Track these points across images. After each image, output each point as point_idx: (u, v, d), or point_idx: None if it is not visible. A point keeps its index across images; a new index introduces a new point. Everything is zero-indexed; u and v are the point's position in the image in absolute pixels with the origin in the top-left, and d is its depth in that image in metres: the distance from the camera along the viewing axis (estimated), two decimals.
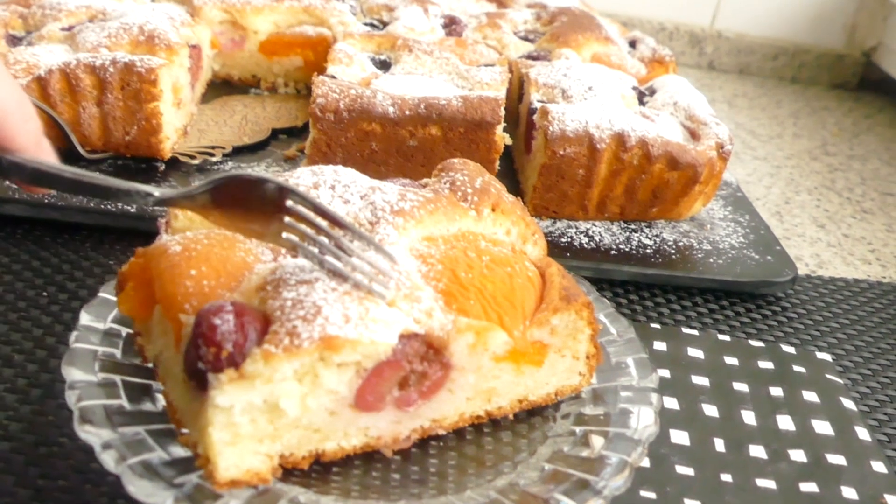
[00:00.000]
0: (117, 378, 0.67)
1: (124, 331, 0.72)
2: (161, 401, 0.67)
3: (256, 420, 0.60)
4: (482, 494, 0.65)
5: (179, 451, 0.62)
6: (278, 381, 0.59)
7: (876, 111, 1.96)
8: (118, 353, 0.70)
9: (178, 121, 1.12)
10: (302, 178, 0.74)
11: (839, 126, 1.82)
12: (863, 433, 0.81)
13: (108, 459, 0.58)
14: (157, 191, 0.63)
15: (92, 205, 0.96)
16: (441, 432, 0.71)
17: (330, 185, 0.74)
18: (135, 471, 0.58)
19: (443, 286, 0.68)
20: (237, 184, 0.63)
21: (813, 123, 1.82)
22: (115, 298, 0.71)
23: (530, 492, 0.64)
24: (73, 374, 0.65)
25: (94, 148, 1.06)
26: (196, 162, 1.10)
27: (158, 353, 0.66)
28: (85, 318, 0.72)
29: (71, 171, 0.62)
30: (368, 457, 0.68)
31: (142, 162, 1.08)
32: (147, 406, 0.66)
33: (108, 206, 0.96)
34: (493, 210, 0.77)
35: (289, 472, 0.64)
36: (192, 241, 0.66)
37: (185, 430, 0.62)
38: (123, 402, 0.65)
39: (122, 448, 0.60)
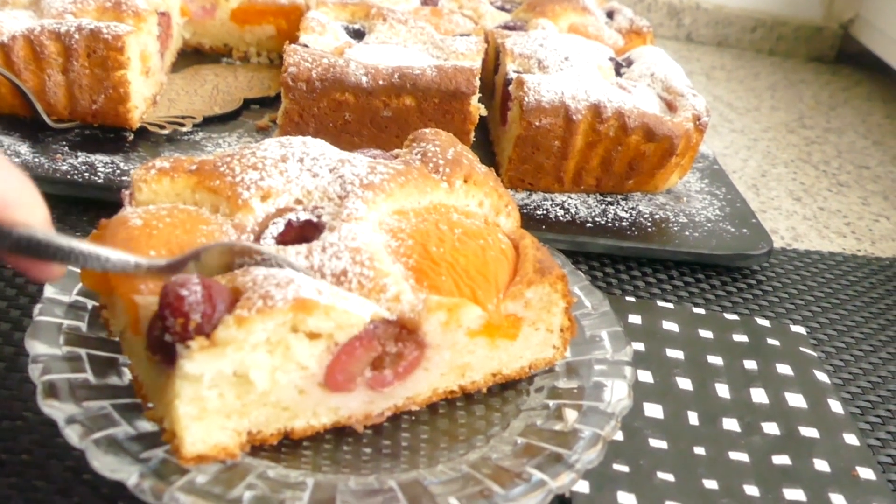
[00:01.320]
0: (82, 351, 0.66)
1: (90, 303, 0.70)
2: (127, 375, 0.65)
3: (224, 394, 0.59)
4: (454, 469, 0.64)
5: (145, 426, 0.61)
6: (249, 349, 0.57)
7: (853, 84, 1.96)
8: (83, 326, 0.69)
9: (146, 90, 1.10)
10: (270, 149, 0.73)
11: (816, 99, 1.82)
12: (836, 406, 0.81)
13: (73, 434, 0.57)
14: (145, 262, 0.60)
15: (58, 175, 0.94)
16: (414, 408, 0.70)
17: (298, 157, 0.73)
18: (99, 446, 0.57)
19: (413, 262, 0.66)
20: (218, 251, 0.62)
21: (790, 96, 1.81)
22: (79, 271, 0.69)
23: (503, 466, 0.63)
24: (36, 347, 0.64)
25: (60, 117, 1.04)
26: (166, 132, 1.07)
27: (124, 328, 0.65)
28: (49, 291, 0.70)
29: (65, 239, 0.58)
30: (339, 431, 0.67)
31: (110, 131, 1.06)
32: (113, 380, 0.65)
33: (75, 177, 0.94)
34: (466, 181, 0.76)
35: (258, 447, 0.63)
36: (154, 217, 0.65)
37: (150, 405, 0.61)
38: (88, 375, 0.64)
39: (87, 423, 0.58)
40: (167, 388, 0.57)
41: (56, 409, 0.59)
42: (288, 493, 0.58)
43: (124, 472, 0.56)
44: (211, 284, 0.57)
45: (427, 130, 0.81)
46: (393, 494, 0.60)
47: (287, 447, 0.64)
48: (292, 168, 0.71)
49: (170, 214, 0.66)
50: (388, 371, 0.65)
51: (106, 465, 0.56)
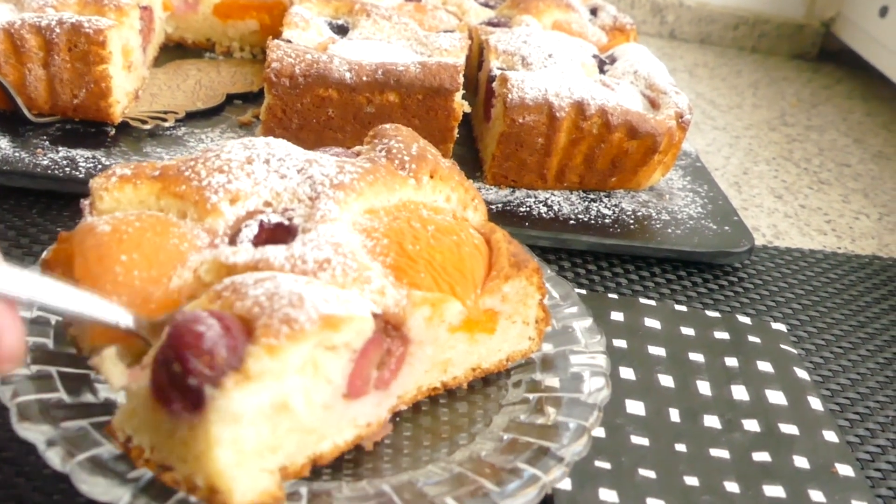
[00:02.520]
0: (52, 369, 0.63)
1: (53, 318, 0.68)
2: (102, 392, 0.64)
3: (259, 430, 0.54)
4: (445, 469, 0.64)
5: None
6: (286, 376, 0.54)
7: (834, 82, 1.97)
8: (50, 342, 0.66)
9: (128, 84, 1.09)
10: (234, 151, 0.71)
11: (798, 97, 1.83)
12: (815, 403, 0.82)
13: (54, 457, 0.55)
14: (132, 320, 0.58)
15: (38, 169, 0.93)
16: (403, 408, 0.70)
17: (264, 158, 0.71)
18: (84, 468, 0.55)
19: (391, 261, 0.66)
20: None
21: (772, 94, 1.82)
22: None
23: (493, 463, 0.63)
24: None
25: (40, 111, 1.03)
26: (148, 127, 1.07)
27: (95, 345, 0.63)
28: None
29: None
30: None
31: (91, 126, 1.05)
32: (87, 398, 0.63)
33: (56, 172, 0.93)
34: (432, 177, 0.75)
35: None
36: (122, 223, 0.63)
37: (162, 467, 0.55)
38: (62, 395, 0.62)
39: (68, 444, 0.56)
40: (195, 440, 0.52)
41: (33, 432, 0.57)
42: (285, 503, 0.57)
43: (114, 493, 0.54)
44: (222, 315, 0.54)
45: (388, 126, 0.79)
46: (388, 499, 0.59)
47: None
48: (259, 170, 0.70)
49: (139, 219, 0.64)
50: (385, 368, 0.64)
51: (94, 487, 0.54)
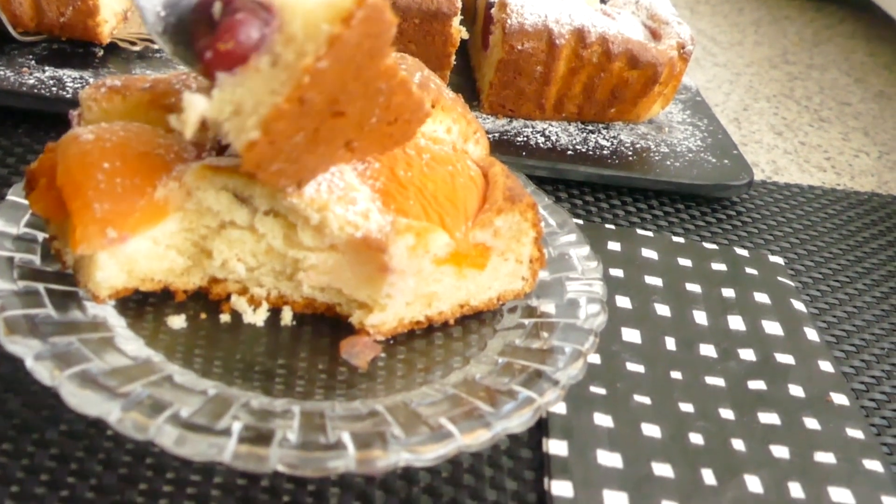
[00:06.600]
0: (40, 286, 0.62)
1: (40, 235, 0.67)
2: (91, 309, 0.63)
3: None
4: (439, 390, 0.63)
5: (119, 361, 0.58)
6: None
7: (837, 22, 1.94)
8: (37, 259, 0.65)
9: (116, 4, 1.06)
10: None
11: (800, 35, 1.80)
12: (812, 334, 0.81)
13: (43, 371, 0.54)
14: None
15: (24, 89, 0.91)
16: (379, 338, 0.68)
17: None
18: (74, 382, 0.54)
19: (380, 185, 0.64)
20: None
21: (774, 32, 1.79)
22: (25, 201, 0.65)
23: (488, 385, 0.62)
24: None
25: (26, 29, 1.00)
26: (137, 48, 1.04)
27: (78, 259, 0.62)
28: None
29: None
30: (314, 352, 0.66)
31: (79, 46, 1.02)
32: (76, 315, 0.62)
33: (42, 91, 0.91)
34: (433, 106, 0.73)
35: (242, 376, 0.62)
36: (106, 132, 0.62)
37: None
38: (50, 311, 0.60)
39: (57, 359, 0.55)
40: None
41: (21, 346, 0.56)
42: (278, 421, 0.56)
43: (104, 407, 0.53)
44: None
45: (393, 54, 0.78)
46: (382, 418, 0.58)
47: (264, 374, 0.63)
48: None
49: (123, 129, 0.63)
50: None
51: (84, 401, 0.53)
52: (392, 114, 0.60)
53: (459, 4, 1.01)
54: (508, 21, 0.99)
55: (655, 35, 1.08)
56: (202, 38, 0.56)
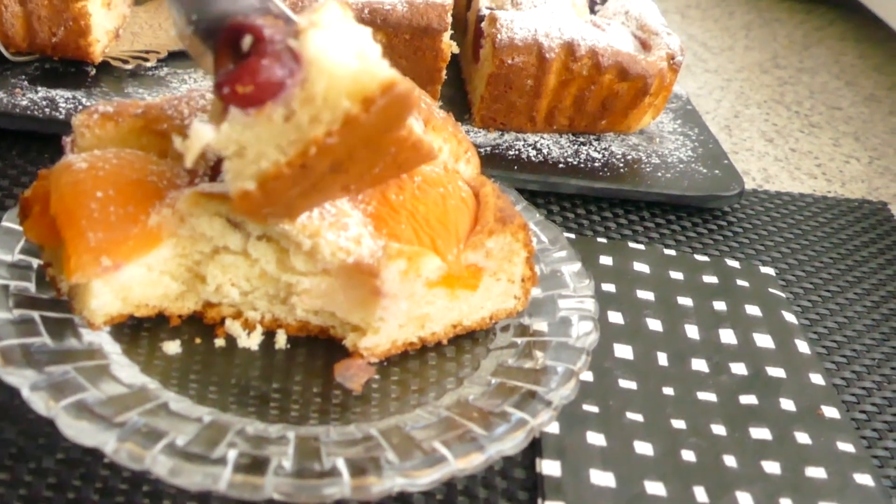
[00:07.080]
0: (35, 314, 0.63)
1: (35, 262, 0.67)
2: (86, 336, 0.63)
3: None
4: (432, 413, 0.63)
5: (114, 389, 0.59)
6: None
7: (826, 24, 1.94)
8: (32, 286, 0.66)
9: (108, 23, 1.06)
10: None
11: (790, 38, 1.80)
12: (802, 346, 0.82)
13: (38, 402, 0.55)
14: None
15: (17, 110, 0.91)
16: (373, 360, 0.69)
17: None
18: (69, 412, 0.54)
19: (372, 209, 0.65)
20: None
21: (764, 35, 1.80)
22: (19, 227, 0.66)
23: (480, 407, 0.63)
24: None
25: (18, 49, 1.01)
26: (129, 67, 1.05)
27: (73, 286, 0.63)
28: None
29: None
30: (307, 375, 0.67)
31: (71, 66, 1.03)
32: (71, 343, 0.62)
33: (35, 112, 0.91)
34: (424, 127, 0.73)
35: (237, 401, 0.63)
36: (99, 160, 0.62)
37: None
38: (45, 339, 0.61)
39: (52, 389, 0.56)
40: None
41: (17, 377, 0.56)
42: (273, 448, 0.56)
43: (101, 437, 0.53)
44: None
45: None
46: (376, 442, 0.59)
47: (259, 400, 0.63)
48: None
49: (116, 156, 0.63)
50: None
51: (80, 431, 0.53)
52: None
53: (450, 20, 1.01)
54: (498, 36, 1.00)
55: (645, 46, 1.09)
56: (224, 65, 0.55)
